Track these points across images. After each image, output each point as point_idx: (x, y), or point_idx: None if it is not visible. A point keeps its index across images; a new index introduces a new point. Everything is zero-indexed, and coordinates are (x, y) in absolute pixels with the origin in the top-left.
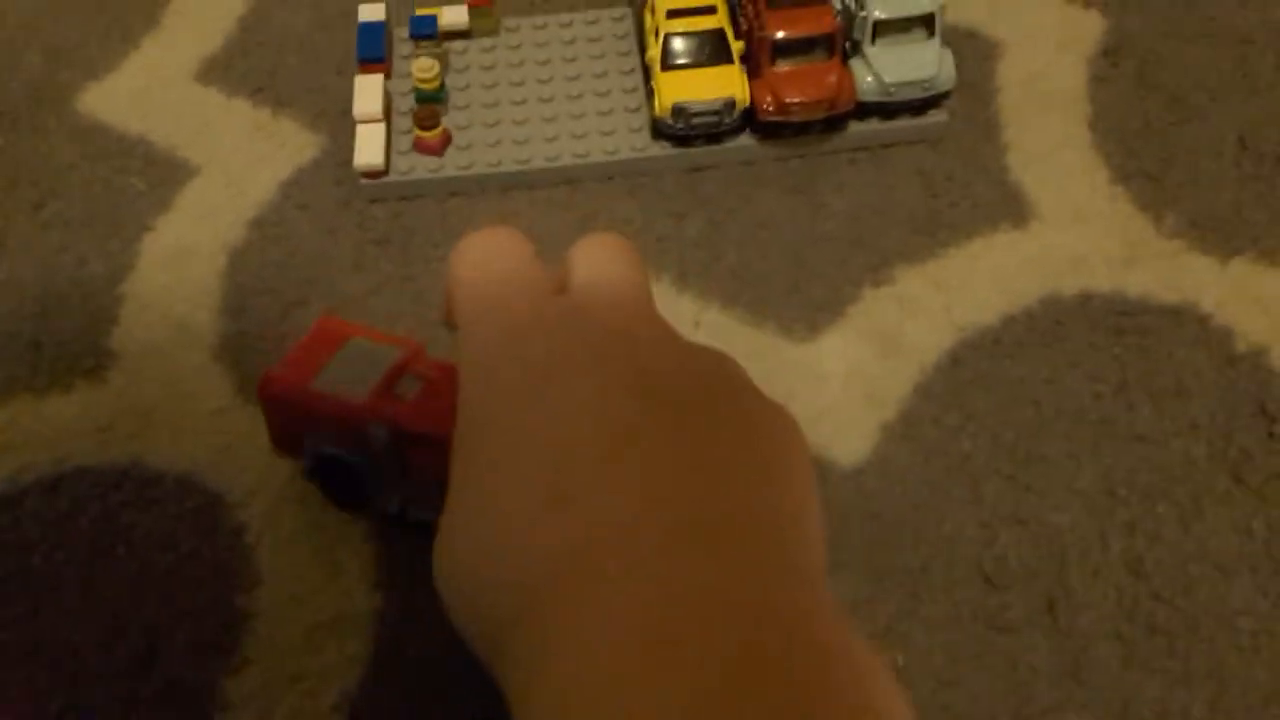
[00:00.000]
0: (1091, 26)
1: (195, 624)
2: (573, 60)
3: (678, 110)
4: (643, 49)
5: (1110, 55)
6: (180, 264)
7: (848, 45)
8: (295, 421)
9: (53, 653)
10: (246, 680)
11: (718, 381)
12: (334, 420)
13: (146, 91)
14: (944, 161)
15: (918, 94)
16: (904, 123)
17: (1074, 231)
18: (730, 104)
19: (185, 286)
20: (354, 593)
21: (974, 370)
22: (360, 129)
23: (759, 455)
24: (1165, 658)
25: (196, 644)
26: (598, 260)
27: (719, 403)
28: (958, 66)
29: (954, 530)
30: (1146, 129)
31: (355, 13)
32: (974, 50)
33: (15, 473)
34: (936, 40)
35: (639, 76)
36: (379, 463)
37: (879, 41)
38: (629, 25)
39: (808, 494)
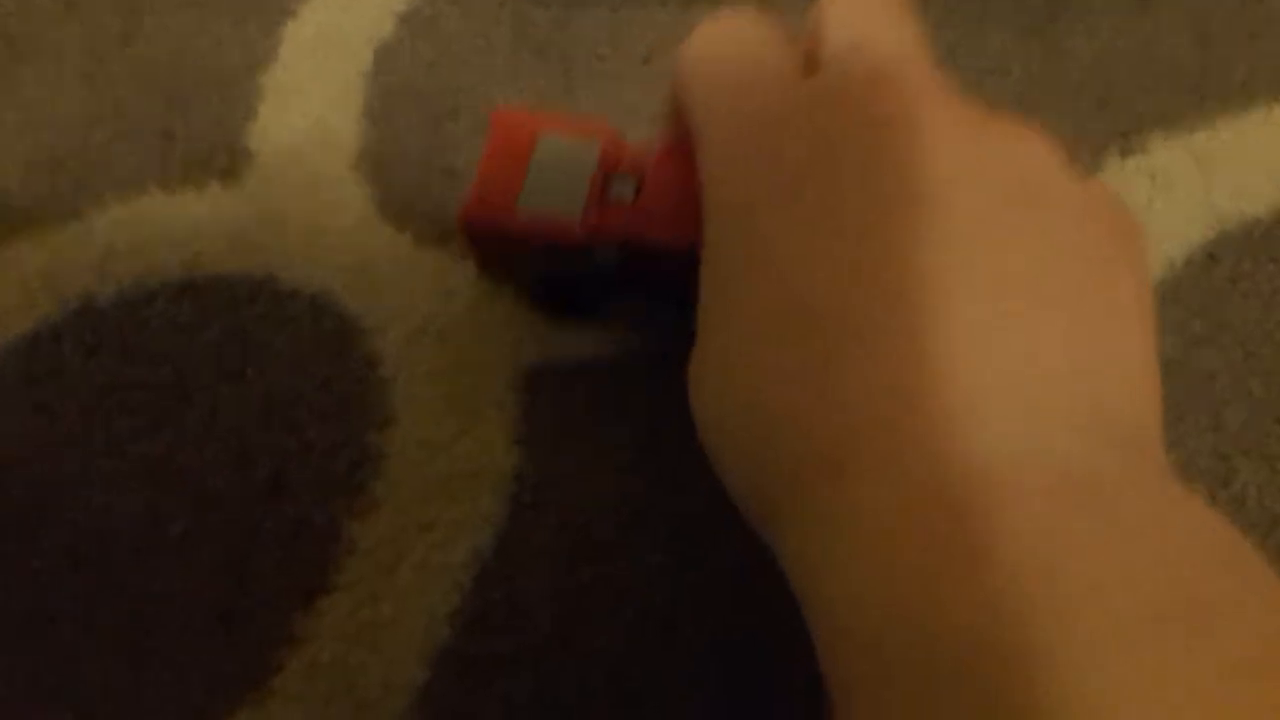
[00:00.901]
0: None
1: (325, 459)
2: None
3: None
4: None
5: None
6: (323, 57)
7: None
8: (507, 253)
9: (176, 472)
10: (375, 525)
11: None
12: (555, 247)
13: None
14: (1221, 12)
15: None
16: None
17: None
18: None
19: (327, 84)
20: (493, 446)
21: (1231, 271)
22: None
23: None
24: None
25: (325, 481)
26: (855, 22)
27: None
28: None
29: (1186, 460)
30: None
31: None
32: None
33: (143, 274)
34: None
35: None
36: (612, 277)
37: None
38: None
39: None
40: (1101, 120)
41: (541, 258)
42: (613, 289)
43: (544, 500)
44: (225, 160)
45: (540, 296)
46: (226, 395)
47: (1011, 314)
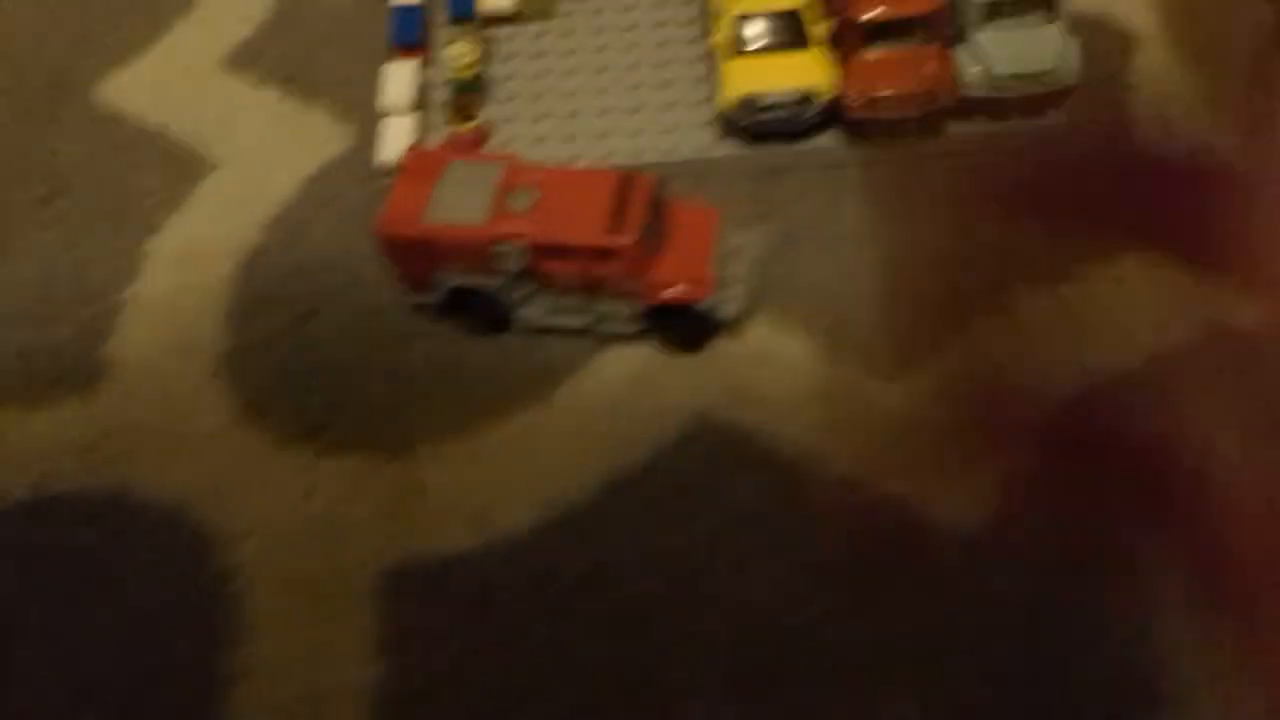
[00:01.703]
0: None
1: (171, 691)
2: (633, 47)
3: (746, 104)
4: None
5: None
6: (187, 269)
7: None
8: (419, 260)
9: (21, 713)
10: None
11: None
12: (459, 250)
13: (170, 80)
14: None
15: (1033, 88)
16: (1016, 124)
17: None
18: (807, 97)
19: (191, 293)
20: (352, 660)
21: (1100, 423)
22: (385, 122)
23: None
24: None
25: (175, 707)
26: None
27: None
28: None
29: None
30: None
31: None
32: (1104, 45)
33: None
34: (1058, 25)
35: (706, 67)
36: (513, 281)
37: (989, 25)
38: (697, 10)
39: None
40: (965, 281)
41: (454, 268)
42: (515, 304)
43: (407, 715)
44: (83, 376)
45: (444, 310)
46: (72, 624)
47: None
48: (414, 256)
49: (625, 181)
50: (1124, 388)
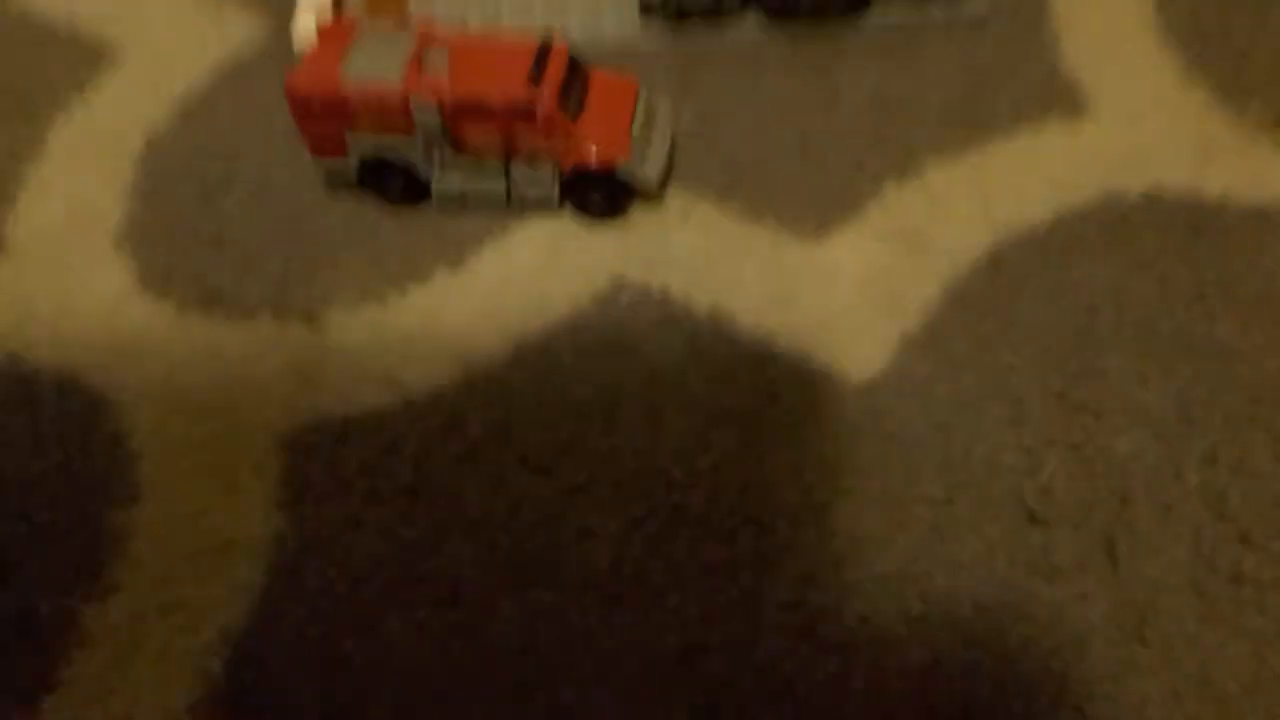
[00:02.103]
0: None
1: (57, 544)
2: None
3: None
4: None
5: None
6: (91, 149)
7: None
8: (333, 124)
9: None
10: (111, 610)
11: None
12: (375, 110)
13: None
14: (982, 50)
15: None
16: (939, 8)
17: (1139, 125)
18: None
19: (93, 174)
20: (250, 514)
21: (1017, 272)
22: (302, 11)
23: None
24: (1254, 613)
25: (56, 567)
26: None
27: None
28: None
29: (988, 455)
30: (1225, 13)
31: None
32: None
33: None
34: None
35: None
36: (430, 145)
37: None
38: None
39: None
40: (877, 152)
41: (365, 135)
42: (433, 166)
43: (304, 565)
44: None
45: (362, 181)
46: None
47: None
48: (327, 120)
49: (543, 45)
50: (1029, 244)
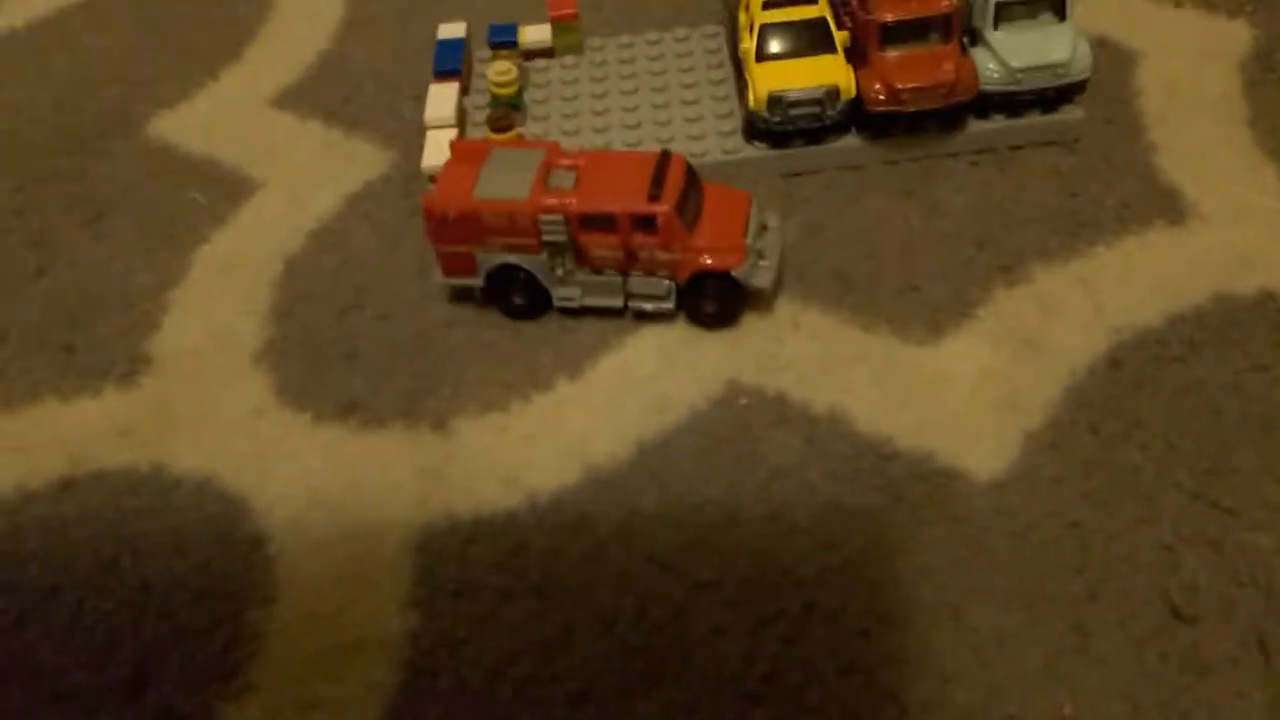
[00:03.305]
0: (1238, 35)
1: (196, 643)
2: (660, 74)
3: (774, 100)
4: (735, 48)
5: (1263, 60)
6: (232, 272)
7: (967, 36)
8: (463, 237)
9: (35, 669)
10: (249, 708)
11: None
12: (504, 223)
13: (218, 117)
14: (1082, 161)
15: (1049, 81)
16: (1034, 119)
17: (1242, 229)
18: (833, 93)
19: (235, 294)
20: (384, 612)
21: (1137, 374)
22: (430, 134)
23: None
24: None
25: (196, 666)
26: None
27: None
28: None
29: (1125, 553)
30: None
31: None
32: (1108, 58)
33: (24, 477)
34: (1069, 24)
35: (731, 85)
36: (554, 257)
37: (1002, 26)
38: (721, 42)
39: None
40: (982, 258)
41: (497, 245)
42: (554, 282)
43: (438, 663)
44: (125, 367)
45: (488, 293)
46: (98, 588)
47: None
48: (459, 233)
49: (662, 158)
50: (1145, 345)
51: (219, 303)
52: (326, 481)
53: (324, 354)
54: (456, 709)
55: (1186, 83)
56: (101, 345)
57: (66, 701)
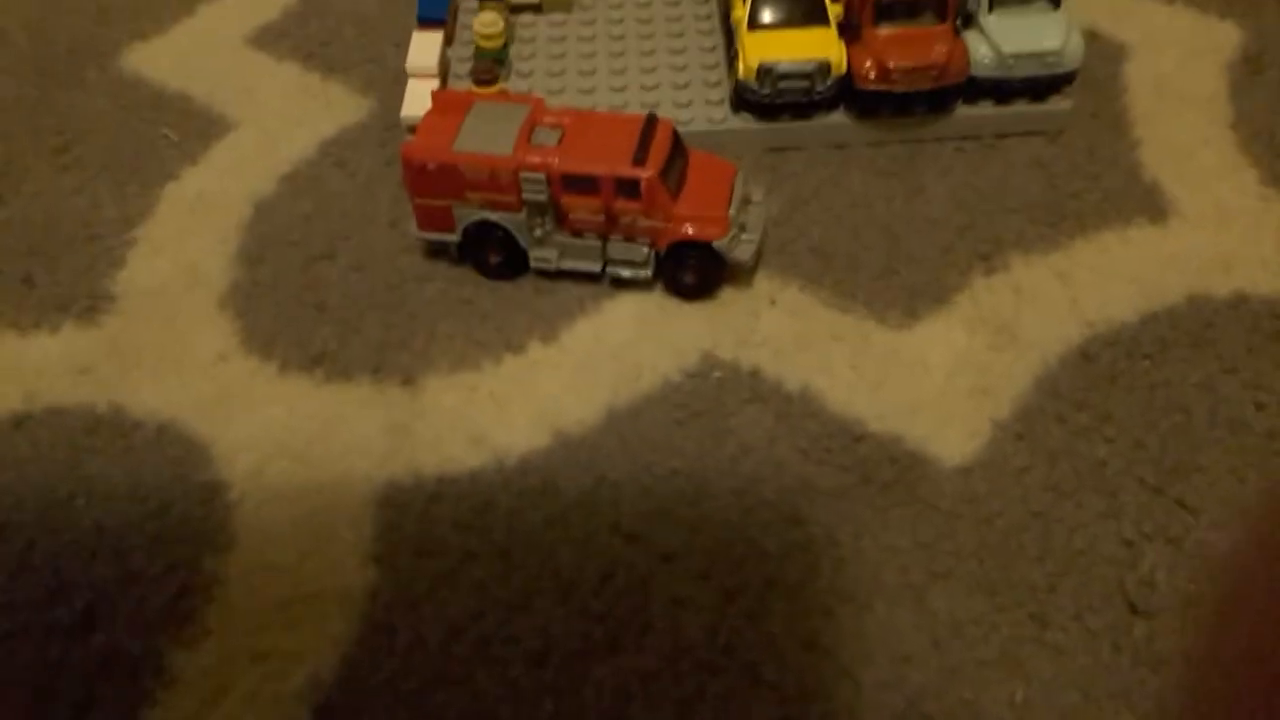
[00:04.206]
0: (1228, 35)
1: (150, 586)
2: (649, 37)
3: (764, 71)
4: (726, 15)
5: (1252, 62)
6: (201, 212)
7: (960, 20)
8: (442, 190)
9: None
10: (201, 654)
11: None
12: (485, 179)
13: (193, 52)
14: (1066, 153)
15: (1040, 70)
16: (1022, 108)
17: (1222, 231)
18: (824, 67)
19: (203, 234)
20: (343, 566)
21: (1109, 369)
22: (412, 83)
23: None
24: None
25: (148, 609)
26: None
27: None
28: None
29: (1086, 545)
30: None
31: None
32: (1097, 51)
33: None
34: (1062, 12)
35: (720, 54)
36: (533, 217)
37: (997, 10)
38: (712, 9)
39: None
40: (963, 245)
41: (476, 201)
42: (532, 243)
43: (397, 618)
44: (86, 303)
45: (464, 249)
46: (48, 527)
47: None
48: (437, 186)
49: (648, 122)
50: (1118, 342)
51: (186, 243)
52: (291, 432)
53: (293, 302)
54: (413, 664)
55: (1174, 80)
56: (63, 279)
57: (13, 638)
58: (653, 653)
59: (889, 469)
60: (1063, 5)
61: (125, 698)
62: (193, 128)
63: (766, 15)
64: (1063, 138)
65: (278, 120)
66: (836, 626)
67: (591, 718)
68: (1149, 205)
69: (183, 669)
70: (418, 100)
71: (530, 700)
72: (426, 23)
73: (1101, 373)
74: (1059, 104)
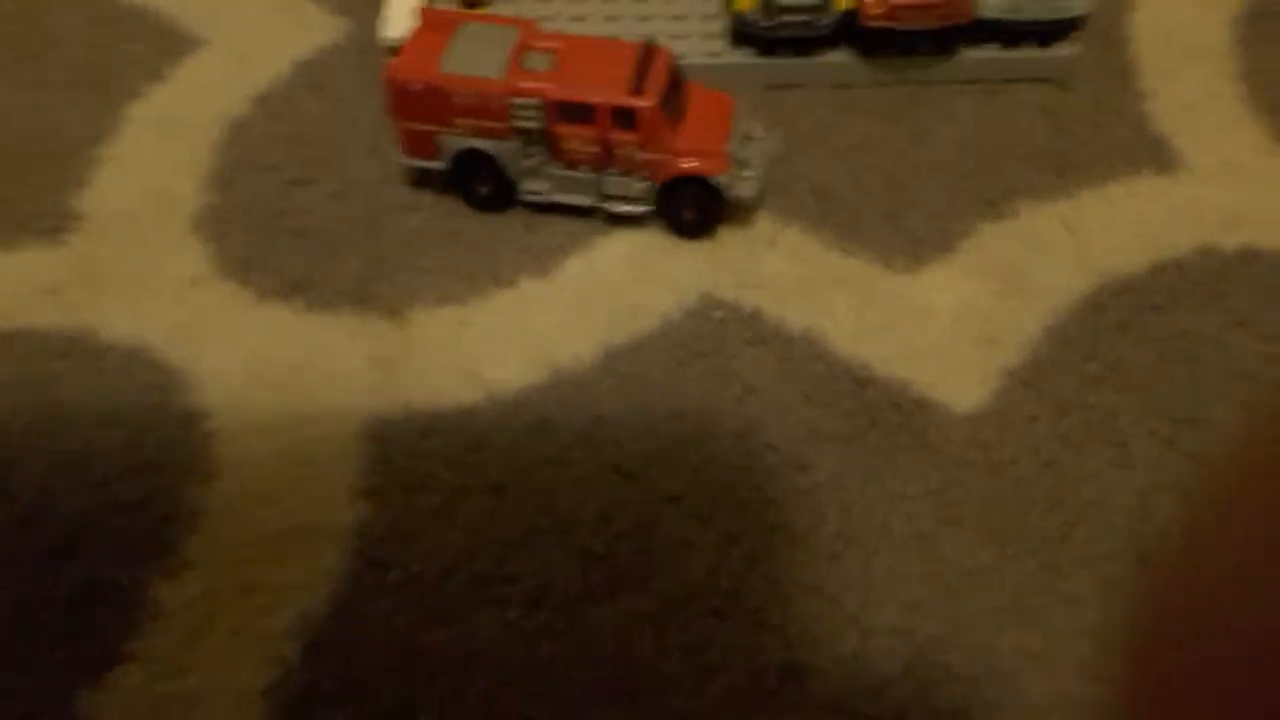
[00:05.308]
0: None
1: (130, 515)
2: None
3: (766, 1)
4: None
5: (1261, 14)
6: (170, 133)
7: None
8: (428, 115)
9: None
10: (185, 585)
11: None
12: (474, 104)
13: None
14: (1072, 102)
15: (1047, 14)
16: (1028, 53)
17: (1230, 185)
18: (826, 1)
19: (172, 155)
20: (331, 500)
21: (1119, 319)
22: (392, 3)
23: None
24: None
25: (129, 538)
26: None
27: None
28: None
29: (1098, 496)
30: None
31: None
32: (1104, 1)
33: None
34: None
35: None
36: (524, 147)
37: None
38: None
39: None
40: (968, 190)
41: (463, 127)
42: (522, 174)
43: (389, 555)
44: (50, 222)
45: (452, 176)
46: (22, 451)
47: None
48: (423, 109)
49: (646, 50)
50: (1128, 291)
51: (155, 163)
52: (269, 362)
53: (269, 227)
54: (408, 601)
55: (1182, 31)
56: (24, 197)
57: None
58: (655, 596)
59: (895, 415)
60: None
61: (108, 628)
62: (159, 44)
63: None
64: (1069, 86)
65: (250, 39)
66: (843, 573)
67: (592, 661)
68: (1156, 157)
69: (167, 600)
70: (398, 20)
71: (528, 642)
72: None
73: (1111, 323)
74: (1066, 50)
